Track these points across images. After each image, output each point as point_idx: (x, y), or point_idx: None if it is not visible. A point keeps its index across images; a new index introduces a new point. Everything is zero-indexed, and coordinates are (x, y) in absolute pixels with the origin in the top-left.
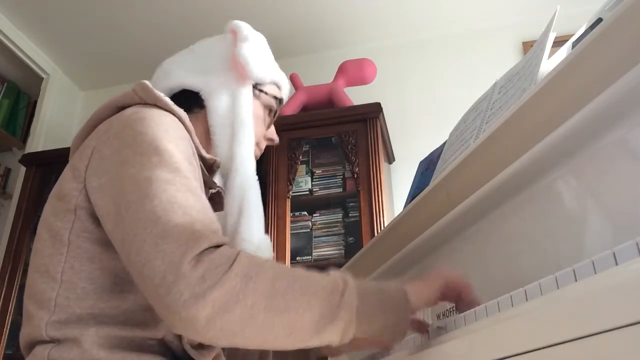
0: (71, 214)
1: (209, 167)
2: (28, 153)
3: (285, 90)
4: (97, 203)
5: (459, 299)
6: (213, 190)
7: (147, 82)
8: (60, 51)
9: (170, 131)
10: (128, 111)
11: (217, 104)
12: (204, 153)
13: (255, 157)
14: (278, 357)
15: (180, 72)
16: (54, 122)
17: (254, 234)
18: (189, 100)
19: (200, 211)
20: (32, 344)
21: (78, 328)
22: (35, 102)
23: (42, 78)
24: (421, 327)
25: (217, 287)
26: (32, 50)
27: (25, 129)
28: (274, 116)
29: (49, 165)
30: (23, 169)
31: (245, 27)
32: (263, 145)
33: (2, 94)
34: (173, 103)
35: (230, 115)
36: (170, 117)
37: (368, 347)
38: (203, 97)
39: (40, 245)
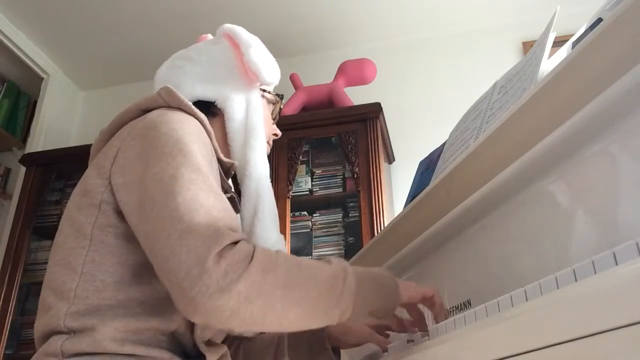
0: (95, 209)
1: (226, 171)
2: (28, 153)
3: (275, 84)
4: (122, 199)
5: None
6: (228, 195)
7: (171, 86)
8: (60, 51)
9: (193, 134)
10: (153, 114)
11: (235, 110)
12: (222, 156)
13: (266, 153)
14: (292, 349)
15: (190, 84)
16: (54, 122)
17: (268, 234)
18: (202, 110)
19: (221, 210)
20: (48, 335)
21: (95, 318)
22: (35, 102)
23: (42, 78)
24: (401, 326)
25: (241, 281)
26: (32, 50)
27: (25, 129)
28: (279, 112)
29: (49, 165)
30: (23, 169)
31: (243, 32)
32: (271, 140)
33: (2, 94)
34: (195, 107)
35: (245, 121)
36: (193, 121)
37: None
38: (219, 106)
39: (62, 239)
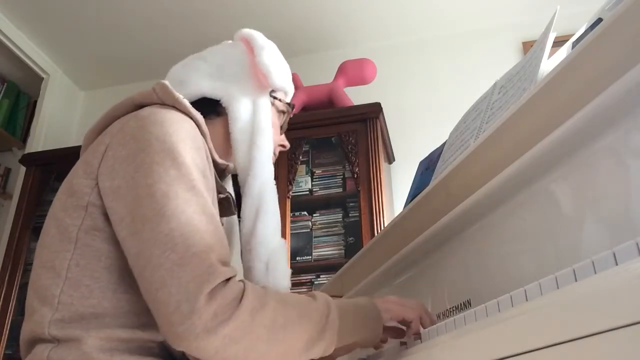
0: (82, 211)
1: (220, 172)
2: (28, 153)
3: (290, 95)
4: (110, 205)
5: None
6: (222, 195)
7: (166, 82)
8: (60, 51)
9: (187, 140)
10: (145, 111)
11: (240, 111)
12: (216, 158)
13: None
14: None
15: (197, 80)
16: (54, 122)
17: (270, 238)
18: (206, 108)
19: (214, 234)
20: (33, 342)
21: (80, 328)
22: (35, 102)
23: (42, 78)
24: (399, 333)
25: (229, 323)
26: (32, 50)
27: (25, 129)
28: (287, 122)
29: (49, 165)
30: (23, 169)
31: (259, 36)
32: (277, 151)
33: (2, 94)
34: (191, 106)
35: (251, 122)
36: (187, 122)
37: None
38: (224, 105)
39: (48, 241)
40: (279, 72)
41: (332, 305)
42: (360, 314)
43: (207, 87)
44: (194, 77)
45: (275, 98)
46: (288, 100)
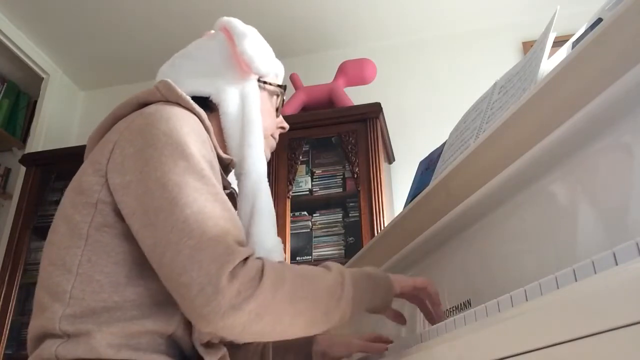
0: (91, 208)
1: (224, 167)
2: (28, 153)
3: (282, 76)
4: (121, 200)
5: (425, 307)
6: (227, 191)
7: (169, 80)
8: (60, 51)
9: (192, 134)
10: (150, 108)
11: (229, 105)
12: (221, 153)
13: (272, 148)
14: (279, 357)
15: (186, 80)
16: (54, 122)
17: (266, 238)
18: (199, 105)
19: (228, 220)
20: (42, 338)
21: (91, 323)
22: (35, 102)
23: (42, 78)
24: (399, 318)
25: (252, 300)
26: (32, 50)
27: (25, 129)
28: (282, 104)
29: (49, 165)
30: (23, 169)
31: (238, 23)
32: (277, 134)
33: (2, 94)
34: (194, 102)
35: (240, 115)
36: (192, 118)
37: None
38: (214, 101)
39: (58, 238)
40: (262, 58)
41: (346, 274)
42: (372, 281)
43: (196, 85)
44: (183, 77)
45: (265, 82)
46: (280, 81)
